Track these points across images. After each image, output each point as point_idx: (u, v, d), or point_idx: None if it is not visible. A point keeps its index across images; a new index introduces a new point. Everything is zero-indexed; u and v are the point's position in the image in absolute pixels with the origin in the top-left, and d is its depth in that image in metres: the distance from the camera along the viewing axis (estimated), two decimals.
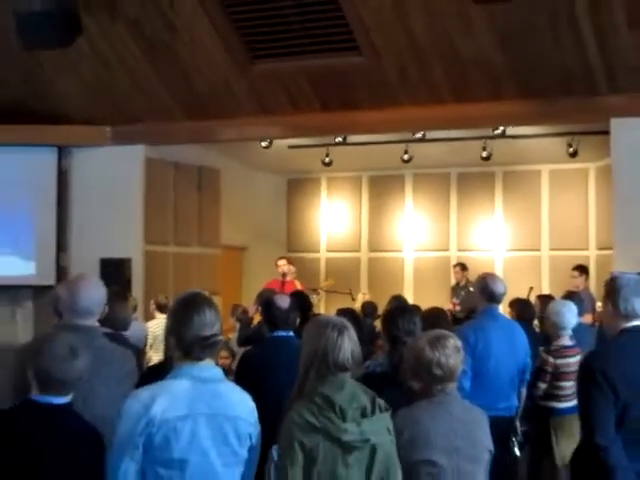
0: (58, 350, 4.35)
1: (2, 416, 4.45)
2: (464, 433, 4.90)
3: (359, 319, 8.60)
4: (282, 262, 14.74)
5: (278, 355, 6.32)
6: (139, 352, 7.63)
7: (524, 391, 8.05)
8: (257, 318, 11.08)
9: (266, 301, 7.05)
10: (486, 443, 5.01)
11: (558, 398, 8.03)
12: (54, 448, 4.26)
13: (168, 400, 4.14)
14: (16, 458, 4.20)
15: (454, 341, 5.02)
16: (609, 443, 4.81)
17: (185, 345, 4.27)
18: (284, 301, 6.87)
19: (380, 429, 4.42)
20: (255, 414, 4.39)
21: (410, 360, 5.06)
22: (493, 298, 7.89)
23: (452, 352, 4.94)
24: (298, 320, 7.01)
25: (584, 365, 5.18)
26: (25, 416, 4.34)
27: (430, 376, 4.90)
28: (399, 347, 5.82)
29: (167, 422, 4.09)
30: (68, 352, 4.34)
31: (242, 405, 4.34)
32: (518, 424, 8.09)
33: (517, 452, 7.98)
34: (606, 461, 4.80)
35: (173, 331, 4.36)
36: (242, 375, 6.61)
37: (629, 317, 5.08)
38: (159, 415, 4.08)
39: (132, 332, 8.13)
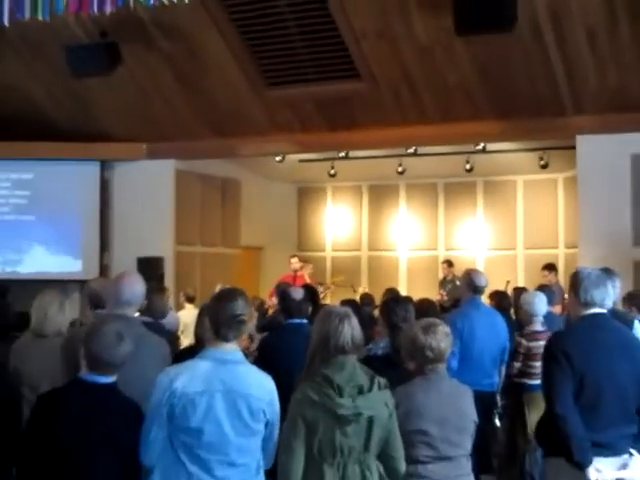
0: (107, 336, 4.38)
1: (56, 393, 4.51)
2: (452, 406, 4.95)
3: (360, 308, 8.61)
4: (294, 260, 14.90)
5: (293, 339, 6.29)
6: (175, 337, 7.67)
7: (504, 370, 8.09)
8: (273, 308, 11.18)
9: (282, 293, 7.08)
10: (471, 415, 5.05)
11: (530, 376, 8.02)
12: (100, 422, 4.29)
13: (189, 376, 4.25)
14: (67, 431, 4.23)
15: (443, 328, 5.06)
16: (567, 413, 4.86)
17: (217, 324, 4.38)
18: (298, 293, 6.89)
19: (377, 404, 4.45)
20: (272, 394, 4.45)
21: (406, 344, 5.10)
22: (477, 290, 8.01)
23: (442, 337, 4.99)
24: (310, 309, 7.03)
25: (548, 345, 5.20)
26: (75, 393, 4.38)
27: (423, 358, 4.96)
28: (397, 332, 5.83)
29: (186, 395, 4.20)
30: (115, 338, 4.38)
31: (257, 385, 4.39)
32: (498, 398, 8.18)
33: (497, 422, 8.07)
34: (564, 428, 4.86)
35: (209, 313, 4.50)
36: (263, 357, 6.62)
37: (588, 305, 5.11)
38: (180, 389, 4.20)
39: (168, 320, 8.18)
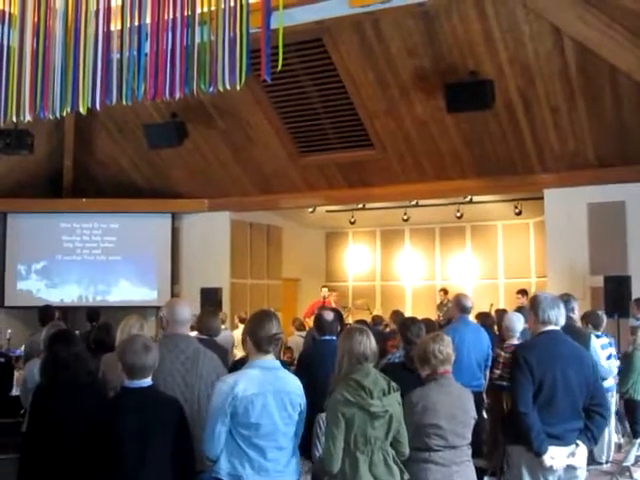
0: (136, 347, 4.30)
1: (114, 400, 4.50)
2: (459, 405, 4.91)
3: (369, 326, 8.57)
4: (325, 289, 14.88)
5: (325, 352, 6.19)
6: (226, 352, 7.54)
7: (487, 373, 8.03)
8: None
9: (317, 315, 6.96)
10: (472, 413, 5.00)
11: (508, 380, 7.92)
12: (152, 415, 4.24)
13: (246, 383, 4.21)
14: (129, 427, 4.16)
15: (448, 337, 5.07)
16: (528, 410, 4.79)
17: (257, 341, 4.33)
18: (329, 315, 6.76)
19: (393, 403, 4.50)
20: (302, 390, 4.42)
21: (419, 352, 5.07)
22: (464, 310, 8.03)
23: (447, 344, 4.98)
24: (339, 328, 6.92)
25: (513, 354, 5.13)
26: (128, 398, 4.31)
27: (434, 360, 4.91)
28: (412, 345, 5.83)
29: (246, 398, 4.16)
30: (142, 348, 4.29)
31: (292, 384, 4.39)
32: (485, 396, 8.11)
33: (485, 415, 7.97)
34: (526, 423, 4.79)
35: (249, 333, 4.42)
36: (302, 364, 6.60)
37: (545, 323, 5.02)
38: (240, 393, 4.16)
39: (221, 337, 8.05)
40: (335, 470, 4.39)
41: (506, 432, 5.20)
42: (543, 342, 5.03)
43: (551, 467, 4.82)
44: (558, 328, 5.09)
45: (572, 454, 4.88)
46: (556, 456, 4.83)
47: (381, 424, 4.44)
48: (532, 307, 5.14)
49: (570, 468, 4.90)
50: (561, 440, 4.87)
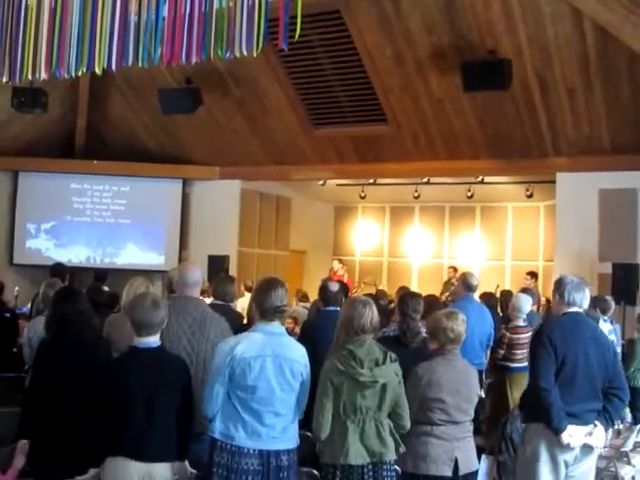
0: (145, 303, 4.31)
1: (119, 361, 4.55)
2: (463, 381, 4.96)
3: (379, 300, 8.59)
4: (336, 262, 15.09)
5: (328, 322, 6.00)
6: (242, 317, 7.55)
7: (489, 353, 8.06)
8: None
9: (322, 286, 6.99)
10: (476, 389, 5.06)
11: (512, 360, 7.89)
12: (160, 375, 4.28)
13: (246, 345, 4.26)
14: (138, 386, 4.21)
15: (462, 316, 5.10)
16: (550, 387, 4.82)
17: (263, 310, 4.36)
18: (334, 286, 6.82)
19: (389, 373, 4.51)
20: (306, 359, 4.45)
21: (431, 326, 5.11)
22: (470, 288, 8.06)
23: (460, 323, 5.03)
24: (343, 299, 6.98)
25: (537, 333, 5.17)
26: (136, 358, 4.33)
27: (445, 337, 4.97)
28: (407, 319, 5.83)
29: (244, 359, 4.21)
30: (152, 304, 4.30)
31: (296, 352, 4.41)
32: (484, 376, 8.14)
33: (482, 394, 8.02)
34: (547, 399, 4.82)
35: (256, 300, 4.45)
36: (305, 334, 6.61)
37: (570, 305, 5.08)
38: (239, 354, 4.21)
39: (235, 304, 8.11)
40: (323, 437, 4.45)
41: (524, 409, 5.24)
42: (566, 322, 5.09)
43: (568, 445, 4.87)
44: (581, 310, 5.16)
45: (590, 434, 4.94)
46: (574, 434, 4.88)
47: (371, 394, 4.45)
48: (557, 289, 5.21)
49: (587, 448, 4.96)
50: (579, 419, 4.92)
